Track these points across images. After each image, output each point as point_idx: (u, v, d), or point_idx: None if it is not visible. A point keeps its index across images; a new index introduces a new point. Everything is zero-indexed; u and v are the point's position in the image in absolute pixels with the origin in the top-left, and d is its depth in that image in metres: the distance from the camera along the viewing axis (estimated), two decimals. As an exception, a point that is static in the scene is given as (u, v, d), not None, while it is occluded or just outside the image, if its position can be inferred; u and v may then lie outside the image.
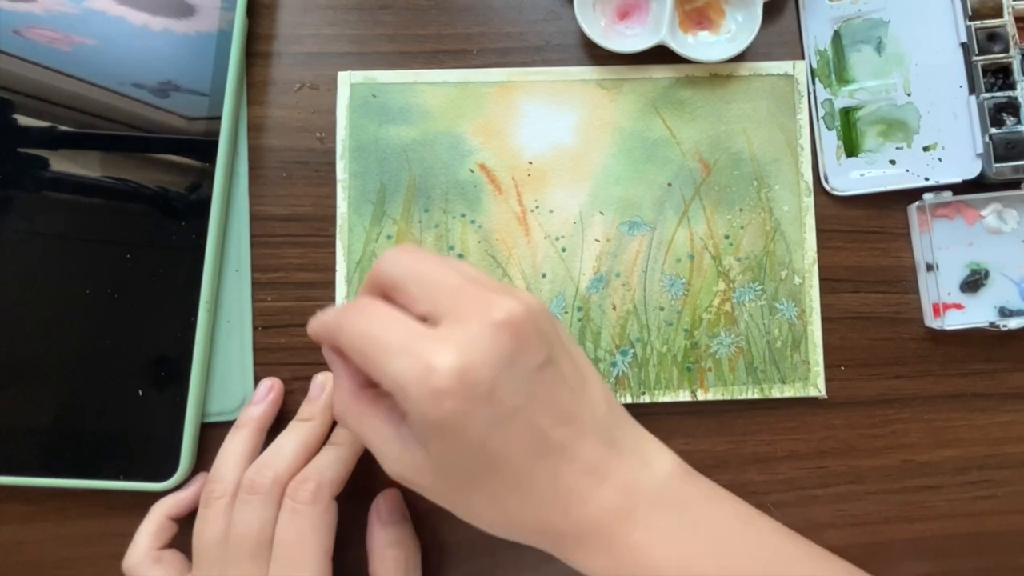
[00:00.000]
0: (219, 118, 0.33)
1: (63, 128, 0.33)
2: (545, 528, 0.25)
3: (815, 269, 0.34)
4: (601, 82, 0.35)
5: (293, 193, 0.34)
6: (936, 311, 0.34)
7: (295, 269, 0.33)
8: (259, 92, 0.35)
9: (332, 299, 0.34)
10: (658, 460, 0.26)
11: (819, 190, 0.35)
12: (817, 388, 0.34)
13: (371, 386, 0.26)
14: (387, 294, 0.25)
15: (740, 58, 0.34)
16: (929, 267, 0.34)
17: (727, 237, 0.34)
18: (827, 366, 0.34)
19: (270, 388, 0.32)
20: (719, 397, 0.34)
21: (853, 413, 0.34)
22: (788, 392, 0.34)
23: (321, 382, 0.32)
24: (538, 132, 0.35)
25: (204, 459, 0.33)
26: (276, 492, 0.29)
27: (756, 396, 0.34)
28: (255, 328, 0.34)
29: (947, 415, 0.34)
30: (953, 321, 0.34)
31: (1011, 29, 0.34)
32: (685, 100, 0.35)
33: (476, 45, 0.35)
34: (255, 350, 0.33)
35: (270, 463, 0.29)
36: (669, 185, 0.35)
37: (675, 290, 0.34)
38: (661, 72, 0.35)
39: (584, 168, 0.35)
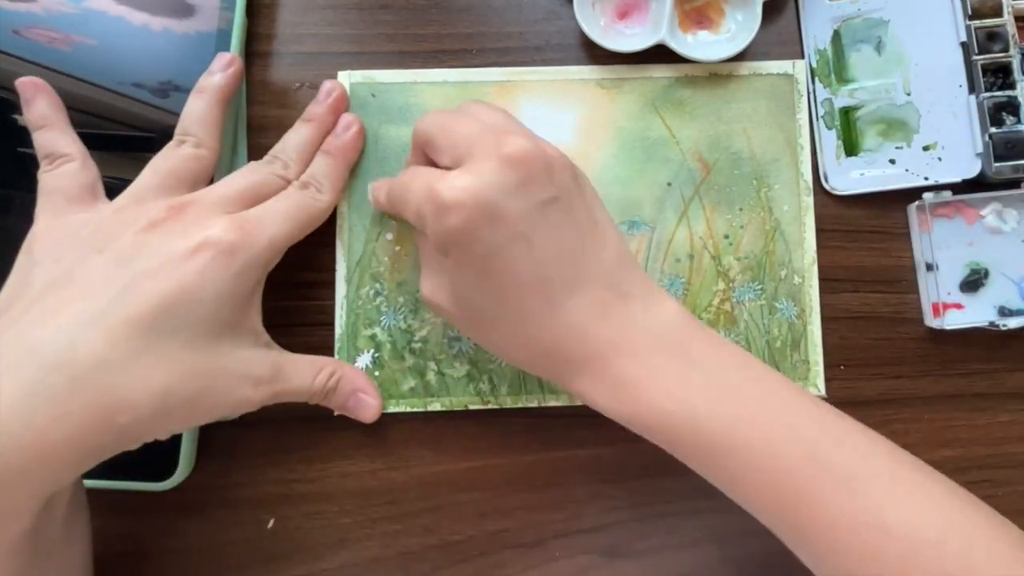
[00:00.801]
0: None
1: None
2: (547, 352, 0.27)
3: (815, 268, 0.34)
4: (601, 81, 0.35)
5: (293, 193, 0.34)
6: (936, 311, 0.34)
7: (295, 269, 0.33)
8: (259, 92, 0.35)
9: (332, 299, 0.34)
10: (662, 306, 0.28)
11: (819, 190, 0.35)
12: (817, 388, 0.34)
13: None
14: (426, 153, 0.29)
15: (740, 58, 0.34)
16: (929, 267, 0.34)
17: (727, 237, 0.34)
18: (827, 366, 0.34)
19: (230, 62, 0.32)
20: None
21: (853, 413, 0.34)
22: None
23: (328, 88, 0.33)
24: (538, 131, 0.34)
25: (204, 458, 0.33)
26: (286, 176, 0.31)
27: None
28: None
29: (947, 415, 0.34)
30: (953, 321, 0.34)
31: (1011, 28, 0.34)
32: (685, 100, 0.35)
33: (476, 45, 0.35)
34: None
35: (281, 151, 0.32)
36: (669, 185, 0.35)
37: (675, 289, 0.34)
38: (661, 72, 0.35)
39: (584, 167, 0.34)
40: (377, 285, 0.34)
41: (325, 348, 0.33)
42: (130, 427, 0.25)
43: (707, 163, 0.35)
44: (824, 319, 0.34)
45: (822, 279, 0.34)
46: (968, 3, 0.34)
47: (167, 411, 0.26)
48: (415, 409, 0.33)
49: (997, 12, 0.34)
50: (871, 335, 0.35)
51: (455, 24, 0.36)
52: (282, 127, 0.34)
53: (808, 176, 0.35)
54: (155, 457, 0.31)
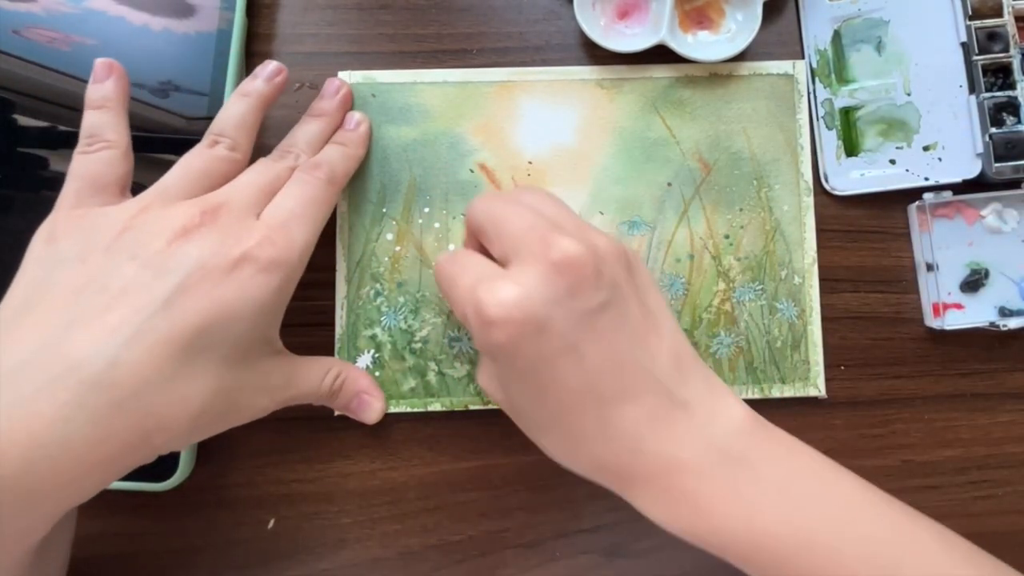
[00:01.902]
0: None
1: (63, 128, 0.33)
2: (601, 466, 0.26)
3: (815, 269, 0.34)
4: (601, 82, 0.35)
5: (293, 193, 0.34)
6: (936, 311, 0.34)
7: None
8: (259, 92, 0.35)
9: (332, 299, 0.34)
10: (725, 415, 0.26)
11: (819, 190, 0.35)
12: (817, 388, 0.34)
13: None
14: (479, 239, 0.28)
15: (740, 58, 0.34)
16: (929, 267, 0.34)
17: (727, 237, 0.34)
18: (827, 366, 0.34)
19: (277, 71, 0.31)
20: None
21: (853, 413, 0.34)
22: (788, 392, 0.34)
23: (337, 86, 0.33)
24: (538, 132, 0.35)
25: (204, 458, 0.33)
26: (293, 167, 0.30)
27: (756, 396, 0.34)
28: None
29: (947, 415, 0.34)
30: (953, 321, 0.34)
31: (1011, 29, 0.34)
32: (685, 100, 0.35)
33: (476, 45, 0.35)
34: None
35: (292, 146, 0.31)
36: (669, 185, 0.35)
37: (675, 289, 0.34)
38: (661, 72, 0.35)
39: (584, 168, 0.35)
40: (377, 285, 0.34)
41: (325, 348, 0.33)
42: (163, 446, 0.25)
43: (707, 163, 0.35)
44: (824, 319, 0.34)
45: (822, 279, 0.34)
46: (968, 3, 0.34)
47: (198, 429, 0.25)
48: (415, 409, 0.33)
49: (997, 12, 0.34)
50: (871, 335, 0.35)
51: (455, 24, 0.36)
52: (282, 127, 0.34)
53: (808, 176, 0.35)
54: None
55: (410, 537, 0.33)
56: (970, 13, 0.34)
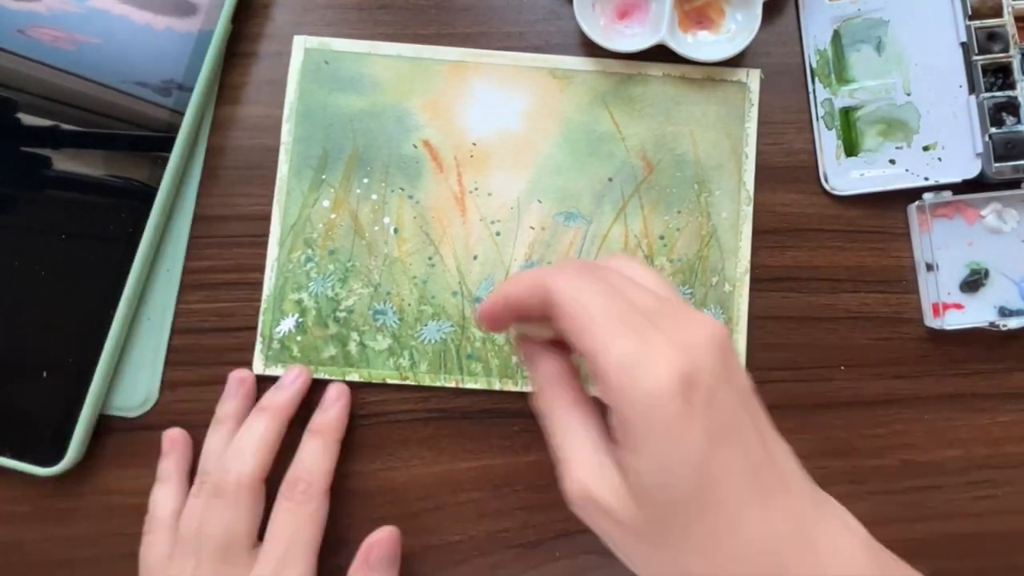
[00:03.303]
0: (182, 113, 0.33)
1: (66, 127, 0.33)
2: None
3: (747, 279, 0.34)
4: (554, 71, 0.35)
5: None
6: (936, 311, 0.34)
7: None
8: (258, 92, 0.35)
9: (262, 259, 0.34)
10: (854, 526, 0.23)
11: (819, 190, 0.35)
12: None
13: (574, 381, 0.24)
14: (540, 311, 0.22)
15: (735, 61, 0.34)
16: (929, 267, 0.34)
17: (662, 237, 0.34)
18: (826, 366, 0.34)
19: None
20: None
21: (853, 413, 0.34)
22: None
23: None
24: (485, 114, 0.35)
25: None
26: (241, 495, 0.30)
27: None
28: (175, 330, 0.33)
29: (947, 415, 0.34)
30: (953, 321, 0.34)
31: (1011, 29, 0.34)
32: (635, 97, 0.35)
33: (475, 45, 0.35)
34: (171, 351, 0.33)
35: (231, 465, 0.30)
36: (610, 180, 0.35)
37: None
38: (615, 67, 0.35)
39: (527, 155, 0.35)
40: (309, 251, 0.34)
41: (251, 308, 0.34)
42: None
43: (650, 162, 0.35)
44: (824, 319, 0.34)
45: (823, 279, 0.34)
46: (968, 3, 0.34)
47: None
48: (333, 377, 0.33)
49: (997, 12, 0.34)
50: (871, 335, 0.35)
51: (455, 24, 0.36)
52: (281, 127, 0.34)
53: (750, 186, 0.35)
54: (45, 441, 0.31)
55: (410, 537, 0.33)
56: (970, 13, 0.34)
